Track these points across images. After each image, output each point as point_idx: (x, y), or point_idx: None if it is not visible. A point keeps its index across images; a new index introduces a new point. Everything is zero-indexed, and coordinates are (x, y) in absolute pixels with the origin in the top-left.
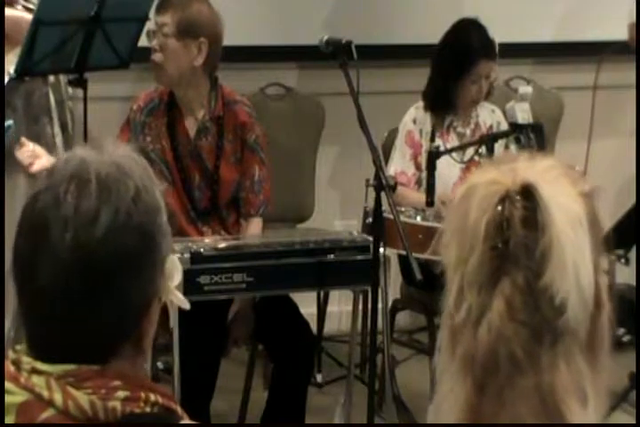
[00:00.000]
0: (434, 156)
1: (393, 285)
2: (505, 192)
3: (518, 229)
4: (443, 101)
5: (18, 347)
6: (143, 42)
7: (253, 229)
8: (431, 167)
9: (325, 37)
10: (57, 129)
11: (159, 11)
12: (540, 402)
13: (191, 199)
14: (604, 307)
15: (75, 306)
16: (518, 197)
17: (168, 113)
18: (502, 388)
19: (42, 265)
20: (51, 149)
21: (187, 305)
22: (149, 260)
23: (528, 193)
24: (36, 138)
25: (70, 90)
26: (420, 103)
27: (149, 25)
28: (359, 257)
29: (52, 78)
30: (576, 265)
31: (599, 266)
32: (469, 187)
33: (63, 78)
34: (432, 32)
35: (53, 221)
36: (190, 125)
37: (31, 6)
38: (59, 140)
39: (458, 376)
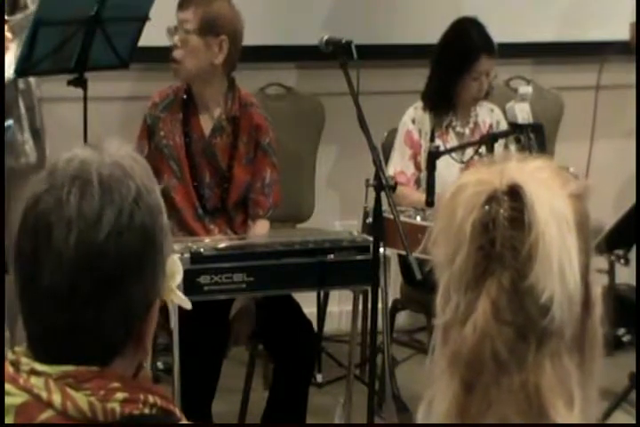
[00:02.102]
0: (434, 155)
1: (393, 285)
2: (492, 192)
3: (504, 230)
4: (442, 101)
5: (17, 348)
6: (143, 42)
7: (260, 231)
8: (431, 167)
9: (325, 37)
10: (27, 135)
11: (181, 7)
12: (525, 401)
13: (200, 197)
14: (595, 309)
15: (77, 307)
16: (505, 198)
17: (183, 109)
18: (488, 387)
19: (45, 266)
20: (19, 156)
21: (188, 305)
22: (152, 260)
23: (515, 193)
24: (7, 146)
25: (39, 92)
26: (419, 103)
27: (170, 22)
28: (359, 257)
29: (21, 85)
30: (562, 265)
31: (589, 267)
32: (458, 186)
33: (34, 83)
34: (432, 32)
35: (56, 222)
36: (205, 123)
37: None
38: (28, 147)
39: (446, 375)
